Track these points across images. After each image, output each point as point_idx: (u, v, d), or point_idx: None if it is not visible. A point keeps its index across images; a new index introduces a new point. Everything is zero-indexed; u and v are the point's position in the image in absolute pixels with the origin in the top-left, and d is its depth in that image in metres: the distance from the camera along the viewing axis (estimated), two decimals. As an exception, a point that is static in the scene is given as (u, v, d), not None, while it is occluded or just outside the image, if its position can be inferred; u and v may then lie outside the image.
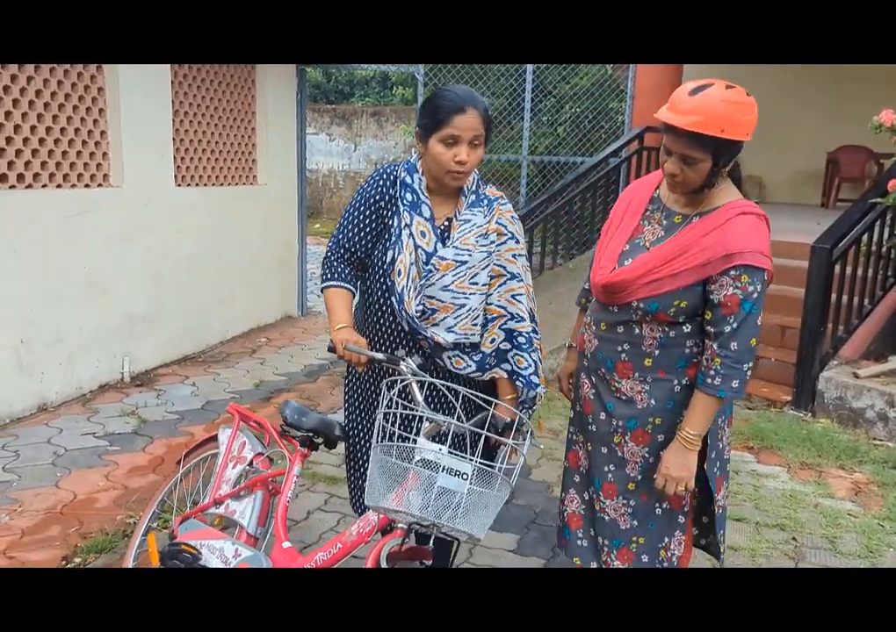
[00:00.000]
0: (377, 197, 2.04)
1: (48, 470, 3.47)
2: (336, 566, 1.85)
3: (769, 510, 3.36)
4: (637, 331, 2.00)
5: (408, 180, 2.03)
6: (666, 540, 2.08)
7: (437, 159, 1.95)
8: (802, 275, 4.73)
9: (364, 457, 2.21)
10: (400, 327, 2.05)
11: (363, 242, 2.06)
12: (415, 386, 1.77)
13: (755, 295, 1.86)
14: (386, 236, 2.03)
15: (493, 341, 2.03)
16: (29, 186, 4.09)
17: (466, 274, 1.98)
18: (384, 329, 2.10)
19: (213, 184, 5.62)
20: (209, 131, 5.52)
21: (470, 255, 1.99)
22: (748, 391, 4.88)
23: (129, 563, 2.47)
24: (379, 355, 1.88)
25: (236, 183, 5.90)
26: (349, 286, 2.07)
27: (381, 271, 2.04)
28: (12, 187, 3.99)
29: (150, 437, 3.91)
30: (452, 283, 1.98)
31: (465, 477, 1.57)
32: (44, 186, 4.19)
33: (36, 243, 4.06)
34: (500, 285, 2.04)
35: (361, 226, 2.05)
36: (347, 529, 1.88)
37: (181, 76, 5.15)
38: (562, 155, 8.31)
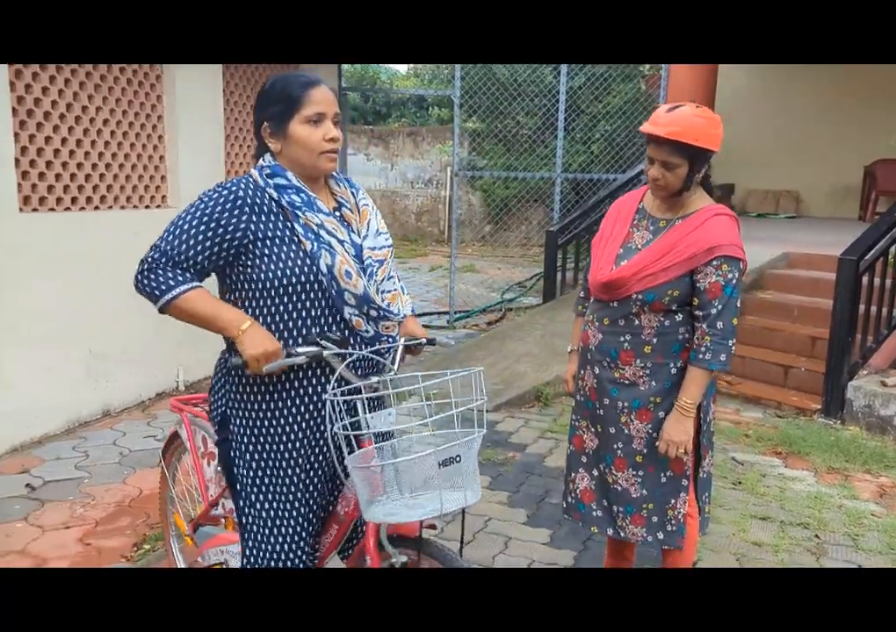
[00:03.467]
0: (230, 213, 1.77)
1: (116, 469, 3.76)
2: (339, 546, 2.01)
3: (793, 510, 3.49)
4: (636, 322, 2.30)
5: (282, 181, 1.81)
6: (672, 501, 2.36)
7: (306, 142, 1.78)
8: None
9: (310, 491, 1.93)
10: (335, 325, 1.85)
11: (203, 260, 1.78)
12: (346, 371, 1.80)
13: (734, 281, 2.20)
14: (260, 252, 1.78)
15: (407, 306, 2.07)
16: (97, 208, 4.43)
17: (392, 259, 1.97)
18: (321, 332, 1.85)
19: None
20: (258, 154, 5.85)
21: (389, 240, 1.97)
22: (779, 399, 5.04)
23: (178, 562, 2.64)
24: (300, 358, 1.75)
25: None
26: (202, 285, 1.80)
27: (304, 283, 1.79)
28: (82, 209, 4.33)
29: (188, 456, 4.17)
30: (391, 269, 1.95)
31: (456, 454, 1.63)
32: (110, 207, 4.53)
33: (104, 261, 4.39)
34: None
35: (202, 242, 1.77)
36: (334, 511, 1.99)
37: (231, 104, 5.48)
38: (596, 173, 8.52)
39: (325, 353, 1.77)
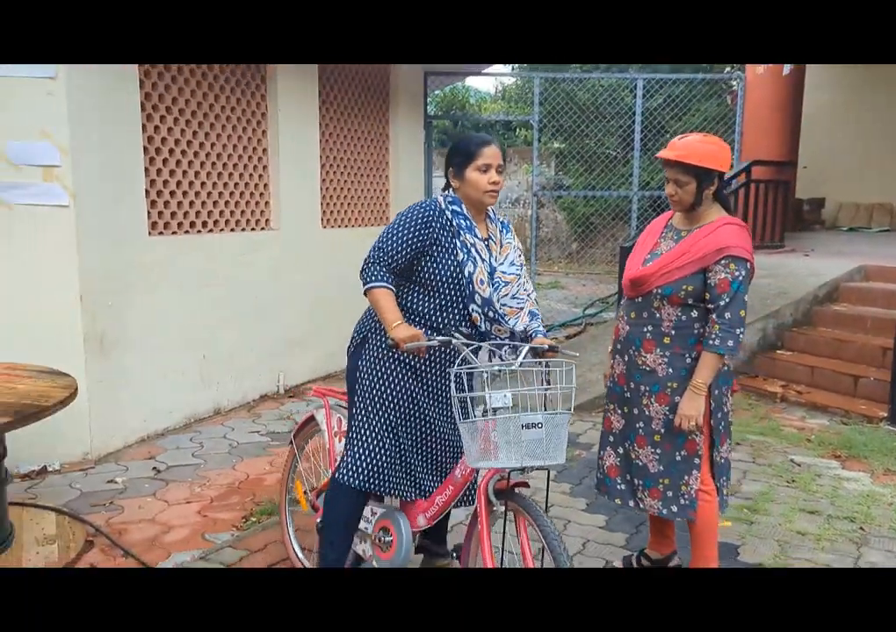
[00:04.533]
0: (425, 223, 2.43)
1: (226, 458, 4.32)
2: (452, 504, 2.45)
3: (843, 506, 3.68)
4: (657, 315, 2.68)
5: (457, 209, 2.48)
6: (685, 478, 2.68)
7: (476, 184, 2.45)
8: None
9: (403, 433, 2.53)
10: (463, 317, 2.48)
11: (405, 256, 2.42)
12: (470, 354, 2.30)
13: (741, 278, 2.57)
14: (434, 254, 2.44)
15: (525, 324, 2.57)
16: (210, 230, 5.07)
17: (520, 284, 2.57)
18: (453, 321, 2.50)
19: (353, 226, 6.51)
20: (349, 180, 6.43)
21: (520, 270, 2.58)
22: (846, 407, 5.16)
23: (289, 534, 3.10)
24: (434, 342, 2.30)
25: (373, 224, 6.77)
26: (392, 287, 2.42)
27: (452, 280, 2.44)
28: (199, 232, 4.97)
29: (319, 438, 4.69)
30: (517, 291, 2.55)
31: (539, 421, 2.06)
32: (221, 230, 5.16)
33: (217, 277, 5.01)
34: (524, 285, 2.62)
35: (407, 243, 2.42)
36: (451, 474, 2.46)
37: (327, 135, 6.08)
38: (673, 190, 8.70)
39: (454, 341, 2.32)
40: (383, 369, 2.53)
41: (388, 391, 2.53)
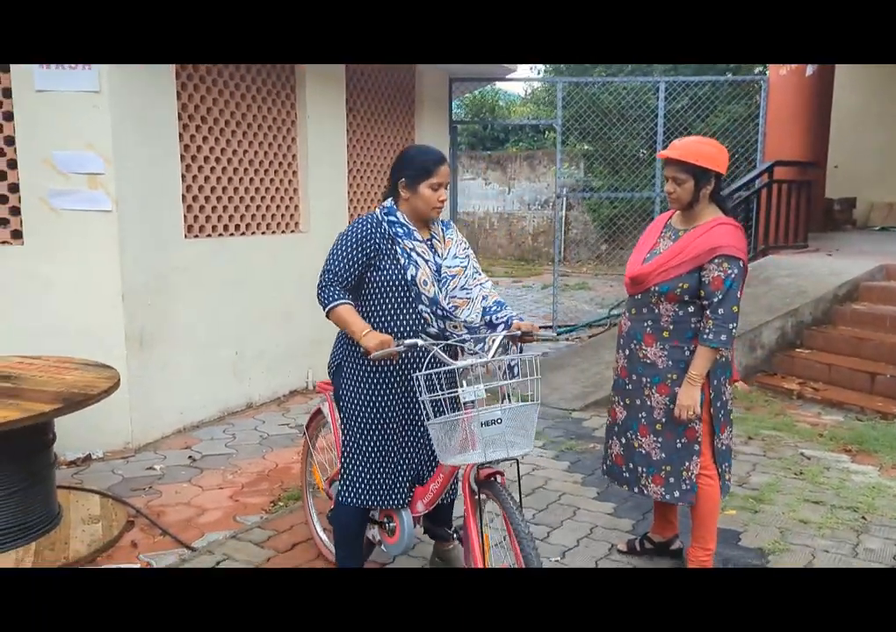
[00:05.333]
0: (365, 237, 2.56)
1: (257, 448, 4.56)
2: (445, 490, 2.64)
3: (848, 497, 3.79)
4: (656, 311, 2.84)
5: (393, 218, 2.61)
6: (686, 463, 2.83)
7: (428, 200, 2.57)
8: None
9: (391, 447, 2.65)
10: (419, 320, 2.58)
11: (354, 272, 2.56)
12: (440, 352, 2.40)
13: (734, 276, 2.71)
14: (378, 263, 2.56)
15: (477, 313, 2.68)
16: (243, 233, 5.33)
17: (467, 275, 2.68)
18: (407, 325, 2.59)
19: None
20: (376, 184, 6.66)
21: (464, 261, 2.69)
22: (862, 404, 5.25)
23: (311, 516, 3.33)
24: (401, 348, 2.37)
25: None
26: (350, 302, 2.55)
27: (397, 286, 2.56)
28: (231, 235, 5.23)
29: (328, 429, 4.92)
30: (465, 283, 2.66)
31: (497, 417, 2.24)
32: (253, 233, 5.42)
33: (248, 278, 5.27)
34: (473, 275, 2.72)
35: (353, 259, 2.55)
36: (440, 464, 2.57)
37: (354, 141, 6.32)
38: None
39: (420, 342, 2.41)
40: (362, 393, 2.65)
41: (371, 412, 2.65)
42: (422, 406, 2.37)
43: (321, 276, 2.60)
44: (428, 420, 2.34)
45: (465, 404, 2.34)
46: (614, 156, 10.79)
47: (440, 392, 2.33)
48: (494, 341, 2.55)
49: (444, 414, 2.35)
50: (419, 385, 2.34)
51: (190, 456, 4.40)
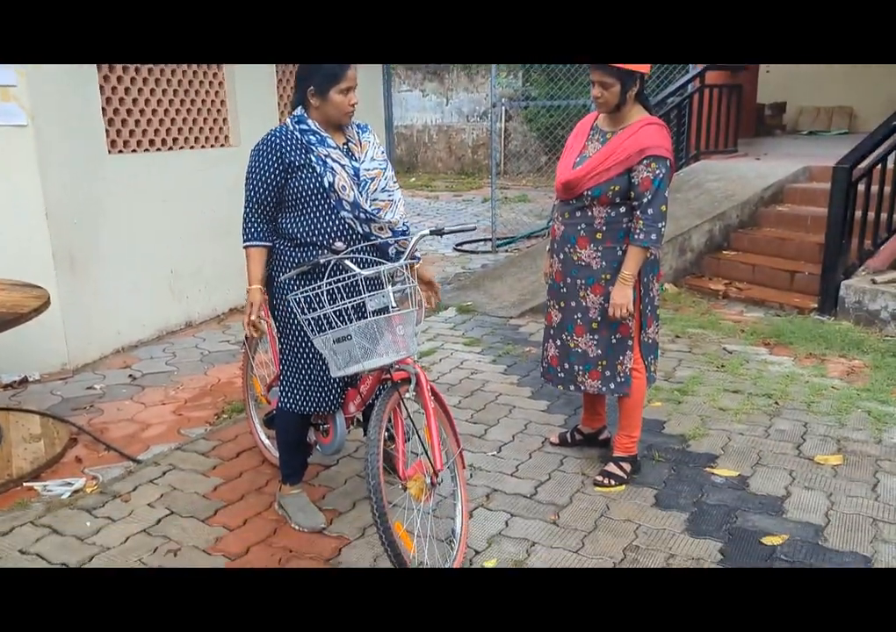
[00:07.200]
0: (276, 151, 2.53)
1: (198, 365, 4.60)
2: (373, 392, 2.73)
3: (763, 385, 4.05)
4: (589, 213, 2.90)
5: (305, 127, 2.57)
6: (621, 358, 2.99)
7: (339, 105, 2.54)
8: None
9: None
10: (343, 226, 2.58)
11: (273, 191, 2.56)
12: (348, 262, 2.46)
13: (661, 176, 2.78)
14: (295, 173, 2.53)
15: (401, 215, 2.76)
16: (170, 148, 5.17)
17: (387, 177, 2.70)
18: (330, 232, 2.59)
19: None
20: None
21: (383, 164, 2.70)
22: (782, 301, 5.51)
23: (255, 426, 3.42)
24: (298, 270, 2.49)
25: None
26: (267, 243, 2.60)
27: (317, 194, 2.54)
28: (158, 150, 5.08)
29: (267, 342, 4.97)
30: (386, 184, 2.69)
31: (347, 335, 2.34)
32: (181, 148, 5.27)
33: (179, 194, 5.15)
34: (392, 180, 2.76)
35: (268, 178, 2.54)
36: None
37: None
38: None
39: (321, 260, 2.46)
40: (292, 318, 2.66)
41: (299, 333, 2.68)
42: (304, 325, 2.46)
43: (244, 205, 2.62)
44: (315, 335, 2.43)
45: (371, 313, 2.41)
46: (552, 65, 10.64)
47: (328, 306, 2.40)
48: (402, 252, 2.65)
49: (334, 328, 2.40)
50: (296, 306, 2.44)
51: (130, 375, 4.42)
